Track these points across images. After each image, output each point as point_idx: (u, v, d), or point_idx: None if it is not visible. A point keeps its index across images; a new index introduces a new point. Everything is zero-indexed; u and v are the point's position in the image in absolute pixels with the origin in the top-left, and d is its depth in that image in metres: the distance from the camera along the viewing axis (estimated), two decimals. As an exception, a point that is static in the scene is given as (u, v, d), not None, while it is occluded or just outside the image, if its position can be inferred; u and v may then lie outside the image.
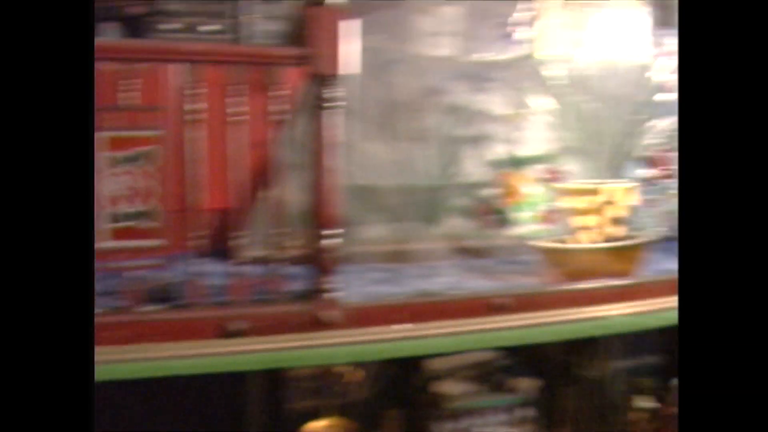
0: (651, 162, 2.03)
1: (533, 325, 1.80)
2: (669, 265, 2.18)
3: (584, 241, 2.00)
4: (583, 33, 2.12)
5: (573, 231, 2.03)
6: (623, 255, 2.01)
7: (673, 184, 2.04)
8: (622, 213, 2.02)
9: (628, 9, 2.65)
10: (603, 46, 2.07)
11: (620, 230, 2.02)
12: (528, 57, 2.22)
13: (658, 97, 2.08)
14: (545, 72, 2.20)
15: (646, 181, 2.04)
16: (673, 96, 2.11)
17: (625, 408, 2.50)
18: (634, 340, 2.36)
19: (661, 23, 3.07)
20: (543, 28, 2.19)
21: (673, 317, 1.99)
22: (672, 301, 2.00)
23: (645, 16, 2.77)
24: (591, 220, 2.00)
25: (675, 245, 2.39)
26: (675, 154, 1.99)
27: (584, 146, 2.09)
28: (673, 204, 2.06)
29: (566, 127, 2.07)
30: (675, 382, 2.83)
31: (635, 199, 2.05)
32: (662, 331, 2.16)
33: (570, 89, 2.07)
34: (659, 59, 2.09)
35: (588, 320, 1.92)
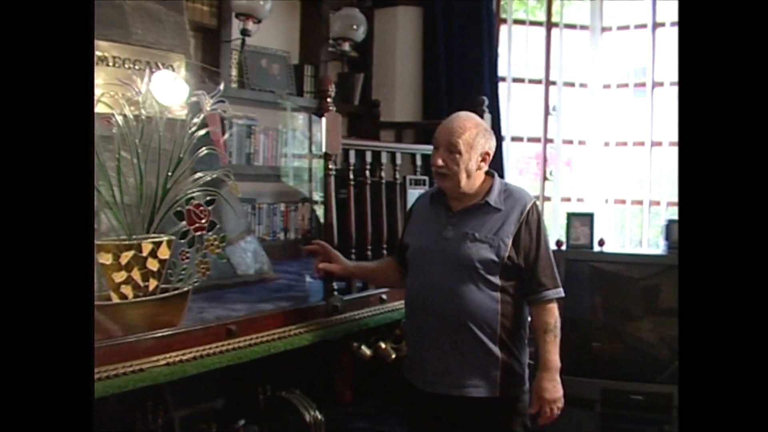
0: (186, 216, 2.16)
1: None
2: (211, 314, 2.36)
3: (128, 296, 2.02)
4: (124, 89, 2.15)
5: (116, 287, 2.03)
6: (167, 306, 2.11)
7: (206, 235, 2.20)
8: (162, 266, 2.11)
9: (173, 65, 2.78)
10: (145, 102, 2.14)
11: (162, 282, 2.12)
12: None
13: (201, 152, 2.23)
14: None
15: (182, 234, 2.16)
16: (213, 151, 2.28)
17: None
18: (194, 388, 2.46)
19: (209, 81, 3.27)
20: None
21: (212, 362, 2.17)
22: (213, 347, 2.19)
23: (191, 72, 2.93)
24: (133, 274, 2.04)
25: (216, 294, 2.61)
26: (209, 208, 2.17)
27: (122, 201, 2.10)
28: (205, 254, 2.22)
29: (103, 183, 2.06)
30: (241, 423, 3.02)
31: (173, 252, 2.16)
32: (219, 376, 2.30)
33: (108, 145, 2.08)
34: (201, 116, 2.22)
35: (134, 373, 1.95)
